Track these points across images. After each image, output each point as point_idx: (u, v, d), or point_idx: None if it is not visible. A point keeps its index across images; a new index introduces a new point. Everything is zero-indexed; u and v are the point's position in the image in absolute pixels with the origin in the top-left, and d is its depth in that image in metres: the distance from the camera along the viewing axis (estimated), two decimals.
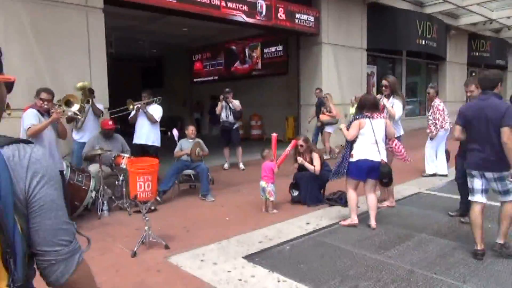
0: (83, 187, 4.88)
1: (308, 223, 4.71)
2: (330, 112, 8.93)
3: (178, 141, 6.15)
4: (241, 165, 8.22)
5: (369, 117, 4.39)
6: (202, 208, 5.53)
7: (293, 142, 5.46)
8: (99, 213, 5.02)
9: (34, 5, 6.23)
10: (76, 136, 5.99)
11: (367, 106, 4.47)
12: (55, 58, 6.44)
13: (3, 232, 0.79)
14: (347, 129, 4.46)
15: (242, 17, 9.06)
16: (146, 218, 3.94)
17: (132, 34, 13.67)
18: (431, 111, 6.90)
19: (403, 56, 15.06)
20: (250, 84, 14.48)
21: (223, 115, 8.05)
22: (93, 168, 5.35)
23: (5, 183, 0.81)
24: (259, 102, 13.96)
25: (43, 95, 4.31)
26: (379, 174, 4.40)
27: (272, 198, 4.97)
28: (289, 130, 12.92)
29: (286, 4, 10.01)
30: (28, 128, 4.11)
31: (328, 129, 9.11)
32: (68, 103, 5.01)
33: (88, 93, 5.92)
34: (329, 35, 11.15)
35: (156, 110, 6.55)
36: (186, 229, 4.59)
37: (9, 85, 0.98)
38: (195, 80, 17.07)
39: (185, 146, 5.96)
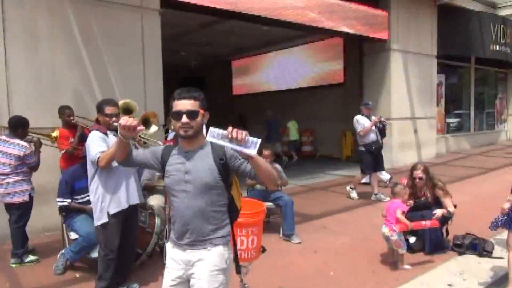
0: (147, 229, 3.77)
1: (450, 286, 3.43)
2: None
3: None
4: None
5: None
6: (291, 254, 4.30)
7: (434, 221, 3.82)
8: (164, 261, 3.87)
9: (82, 4, 5.31)
10: None
11: None
12: (104, 64, 5.48)
13: None
14: None
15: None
16: (246, 285, 2.76)
17: (173, 45, 12.70)
18: None
19: (471, 64, 13.49)
20: (300, 96, 13.31)
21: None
22: (156, 201, 4.26)
23: None
24: (311, 116, 12.74)
25: (109, 109, 3.14)
26: None
27: (402, 251, 3.69)
28: (347, 148, 11.59)
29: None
30: (98, 158, 2.94)
31: None
32: (146, 123, 3.83)
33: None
34: (399, 40, 9.86)
35: None
36: None
37: None
38: (236, 94, 16.02)
39: None
